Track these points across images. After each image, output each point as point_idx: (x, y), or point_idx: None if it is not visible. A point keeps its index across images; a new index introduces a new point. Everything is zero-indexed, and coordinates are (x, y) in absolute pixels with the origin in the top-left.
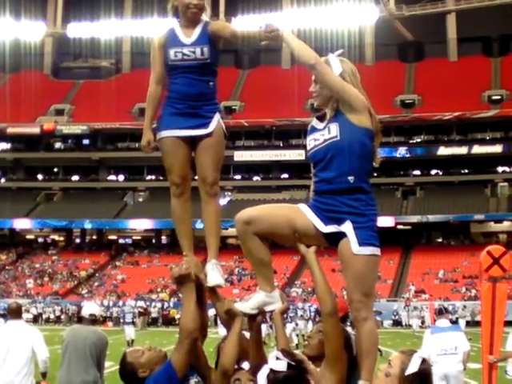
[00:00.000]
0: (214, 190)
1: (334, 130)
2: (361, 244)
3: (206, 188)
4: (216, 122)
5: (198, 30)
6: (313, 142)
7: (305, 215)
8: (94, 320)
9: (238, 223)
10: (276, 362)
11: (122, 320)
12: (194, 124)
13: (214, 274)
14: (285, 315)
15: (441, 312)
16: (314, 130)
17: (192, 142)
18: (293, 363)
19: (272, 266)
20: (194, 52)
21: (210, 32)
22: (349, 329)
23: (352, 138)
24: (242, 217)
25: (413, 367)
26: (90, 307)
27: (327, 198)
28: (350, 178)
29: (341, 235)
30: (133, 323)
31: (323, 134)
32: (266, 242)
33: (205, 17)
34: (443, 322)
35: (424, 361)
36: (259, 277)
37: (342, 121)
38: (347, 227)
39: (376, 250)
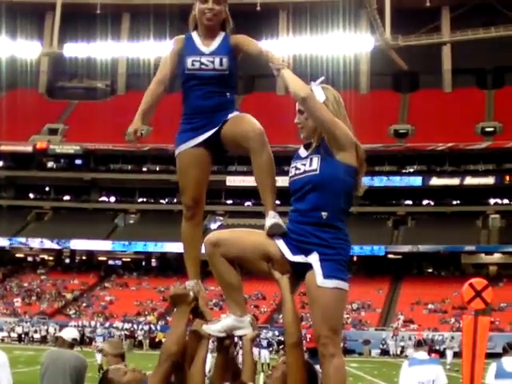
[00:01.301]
0: (262, 138)
1: (315, 162)
2: (325, 277)
3: (250, 142)
4: (237, 113)
5: (217, 41)
6: (294, 170)
7: (275, 242)
8: (73, 344)
9: (206, 245)
10: None
11: (94, 343)
12: (208, 127)
13: (268, 220)
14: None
15: (419, 344)
16: (298, 157)
17: (211, 147)
18: None
19: (242, 290)
20: (212, 62)
21: (232, 44)
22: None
23: (332, 175)
24: (210, 239)
25: None
26: (72, 332)
27: (298, 228)
28: (324, 214)
29: (308, 267)
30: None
31: (304, 163)
32: (237, 266)
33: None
34: (421, 355)
35: None
36: (229, 300)
37: (325, 155)
38: (313, 258)
39: (341, 284)
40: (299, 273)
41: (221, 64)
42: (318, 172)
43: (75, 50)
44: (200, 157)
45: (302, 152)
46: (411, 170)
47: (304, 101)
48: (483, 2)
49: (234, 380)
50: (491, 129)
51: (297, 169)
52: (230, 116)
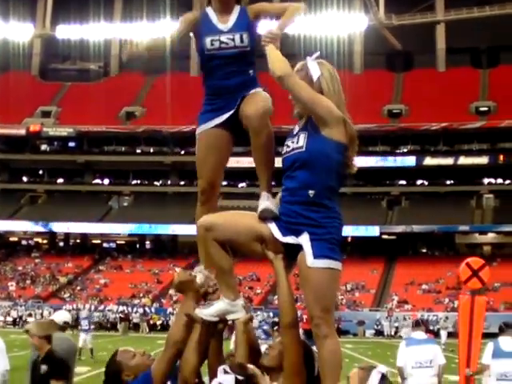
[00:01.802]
0: (261, 120)
1: (302, 139)
2: (316, 257)
3: (250, 122)
4: (254, 90)
5: (234, 15)
6: (285, 148)
7: (266, 224)
8: (64, 327)
9: (198, 229)
10: (223, 376)
11: (79, 327)
12: (228, 107)
13: (261, 202)
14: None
15: (417, 324)
16: (291, 135)
17: (232, 127)
18: (240, 378)
19: (234, 273)
20: (232, 39)
21: (251, 17)
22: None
23: (318, 151)
24: (203, 223)
25: (372, 383)
26: (64, 314)
27: (287, 209)
28: (311, 192)
29: (299, 248)
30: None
31: (293, 141)
32: (228, 248)
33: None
34: (419, 334)
35: (383, 376)
36: (221, 284)
37: (312, 131)
38: (304, 239)
39: (333, 264)
40: (292, 254)
41: (241, 41)
42: (303, 149)
43: (68, 31)
44: (220, 138)
45: (295, 129)
46: (405, 150)
47: (280, 79)
48: None
49: (254, 361)
50: (485, 108)
51: (287, 146)
52: (249, 93)
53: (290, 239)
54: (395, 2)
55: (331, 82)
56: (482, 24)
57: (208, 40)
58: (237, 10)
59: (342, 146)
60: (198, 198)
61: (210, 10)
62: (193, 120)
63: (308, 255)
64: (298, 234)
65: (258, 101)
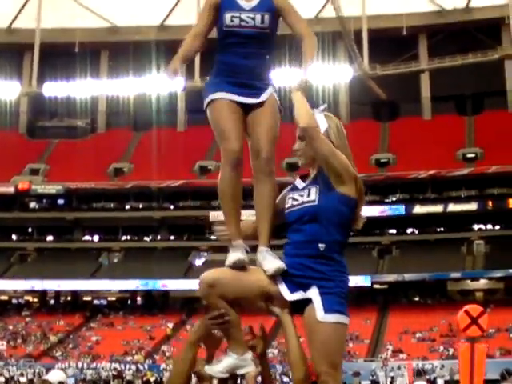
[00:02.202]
0: (270, 166)
1: (314, 193)
2: (326, 311)
3: (261, 164)
4: (269, 93)
5: None
6: (291, 201)
7: (272, 280)
8: None
9: (201, 285)
10: None
11: None
12: (246, 92)
13: (268, 261)
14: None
15: (419, 373)
16: (295, 189)
17: (244, 113)
18: None
19: (241, 327)
20: (253, 18)
21: (275, 4)
22: None
23: (330, 206)
24: (206, 279)
25: None
26: (59, 374)
27: (294, 262)
28: (321, 246)
29: (307, 301)
30: None
31: (302, 194)
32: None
33: None
34: None
35: None
36: (228, 339)
37: (324, 185)
38: (313, 293)
39: (342, 318)
40: (295, 306)
41: (262, 21)
42: (316, 203)
43: (55, 89)
44: (238, 106)
45: (299, 183)
46: (394, 199)
47: (304, 130)
48: (459, 29)
49: None
50: (472, 155)
51: (294, 200)
52: (263, 97)
53: (298, 295)
54: (379, 52)
55: (339, 135)
56: (466, 71)
57: (228, 16)
58: None
59: (353, 201)
60: (224, 164)
61: None
62: (181, 175)
63: (318, 309)
64: (306, 287)
65: (266, 135)
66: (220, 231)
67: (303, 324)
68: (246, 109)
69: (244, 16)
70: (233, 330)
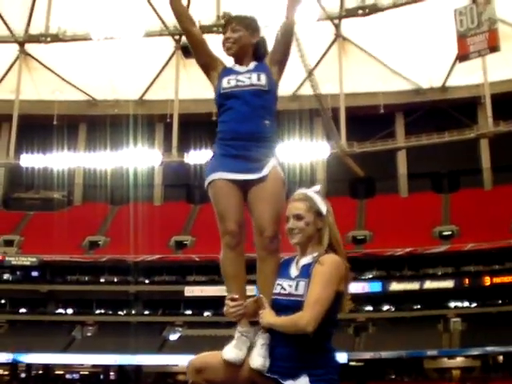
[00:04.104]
0: (275, 244)
1: (302, 287)
2: None
3: (265, 242)
4: (271, 166)
5: (254, 63)
6: (278, 287)
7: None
8: None
9: (188, 369)
10: None
11: None
12: (245, 168)
13: (255, 354)
14: None
15: None
16: (286, 275)
17: (244, 190)
18: None
19: None
20: (249, 78)
21: (268, 63)
22: None
23: None
24: (195, 363)
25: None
26: None
27: (282, 352)
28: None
29: None
30: None
31: (290, 285)
32: None
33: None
34: None
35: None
36: None
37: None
38: (303, 381)
39: None
40: None
41: (258, 79)
42: (303, 299)
43: (32, 160)
44: (236, 185)
45: (292, 271)
46: (370, 276)
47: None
48: (436, 108)
49: None
50: (448, 232)
51: (282, 288)
52: (264, 172)
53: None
54: (356, 130)
55: (332, 218)
56: (442, 149)
57: (225, 80)
58: (254, 62)
59: (340, 295)
60: (222, 245)
61: (231, 64)
62: (156, 249)
63: None
64: (295, 376)
65: (271, 212)
66: (234, 306)
67: None
68: (247, 184)
69: (240, 77)
70: None
